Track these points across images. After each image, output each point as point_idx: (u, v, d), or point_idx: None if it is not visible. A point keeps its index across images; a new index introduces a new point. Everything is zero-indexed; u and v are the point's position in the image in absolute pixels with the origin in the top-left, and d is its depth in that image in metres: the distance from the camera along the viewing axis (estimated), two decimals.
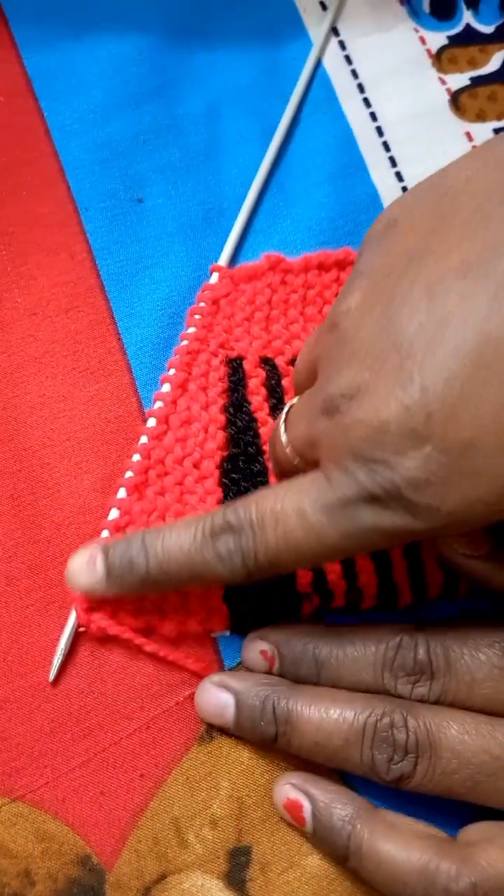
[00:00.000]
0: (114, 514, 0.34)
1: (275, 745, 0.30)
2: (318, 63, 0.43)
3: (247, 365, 0.36)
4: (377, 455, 0.25)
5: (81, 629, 0.33)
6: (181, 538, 0.29)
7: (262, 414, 0.36)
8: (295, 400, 0.32)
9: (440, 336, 0.24)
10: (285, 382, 0.36)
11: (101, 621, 0.32)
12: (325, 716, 0.29)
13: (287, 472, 0.32)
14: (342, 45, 0.43)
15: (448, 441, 0.24)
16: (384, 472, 0.25)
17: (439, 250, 0.26)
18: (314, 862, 0.31)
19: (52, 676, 0.32)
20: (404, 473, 0.25)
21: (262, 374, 0.36)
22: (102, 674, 0.33)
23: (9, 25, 0.41)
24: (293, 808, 0.30)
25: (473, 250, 0.25)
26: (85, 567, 0.31)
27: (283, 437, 0.31)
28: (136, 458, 0.34)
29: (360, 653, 0.30)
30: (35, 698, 0.32)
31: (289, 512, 0.27)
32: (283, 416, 0.32)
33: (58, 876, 0.30)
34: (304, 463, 0.30)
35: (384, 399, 0.25)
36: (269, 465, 0.35)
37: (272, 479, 0.35)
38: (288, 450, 0.31)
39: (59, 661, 0.32)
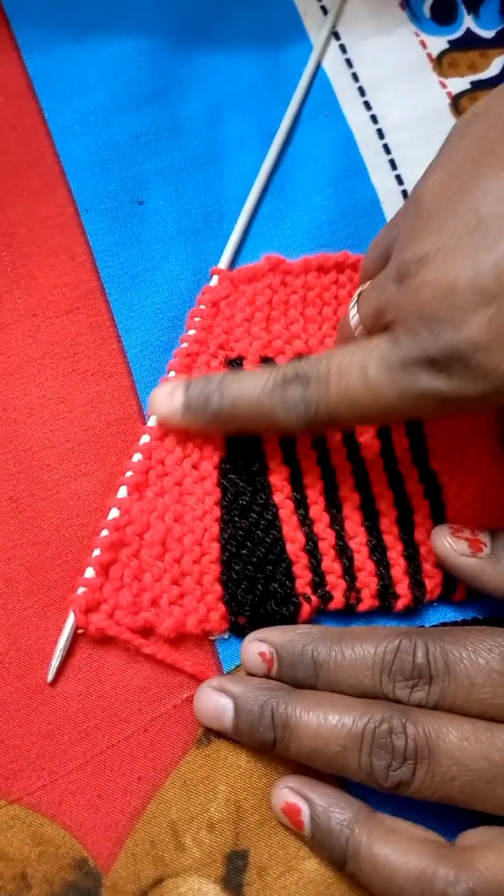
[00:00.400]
0: (113, 513, 0.34)
1: (273, 750, 0.30)
2: (319, 67, 0.43)
3: (247, 365, 0.36)
4: (443, 314, 0.28)
5: (80, 631, 0.33)
6: (254, 383, 0.32)
7: None
8: (366, 285, 0.33)
9: None
10: None
11: (99, 622, 0.32)
12: (324, 721, 0.29)
13: None
14: (343, 49, 0.43)
15: None
16: (448, 332, 0.27)
17: None
18: (311, 866, 0.31)
19: (50, 678, 0.32)
20: (467, 333, 0.27)
21: None
22: (100, 676, 0.33)
23: (10, 26, 0.41)
24: (291, 811, 0.30)
25: None
26: (166, 397, 0.34)
27: (354, 319, 0.33)
28: (138, 457, 0.34)
29: (358, 656, 0.30)
30: (33, 700, 0.32)
31: (352, 368, 0.30)
32: (353, 299, 0.34)
33: (54, 879, 0.30)
34: None
35: (457, 261, 0.28)
36: (269, 463, 0.35)
37: (271, 477, 0.35)
38: (357, 331, 0.33)
39: (58, 662, 0.32)
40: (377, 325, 0.32)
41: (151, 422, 0.35)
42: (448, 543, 0.33)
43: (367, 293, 0.33)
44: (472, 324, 0.27)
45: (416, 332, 0.28)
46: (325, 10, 0.44)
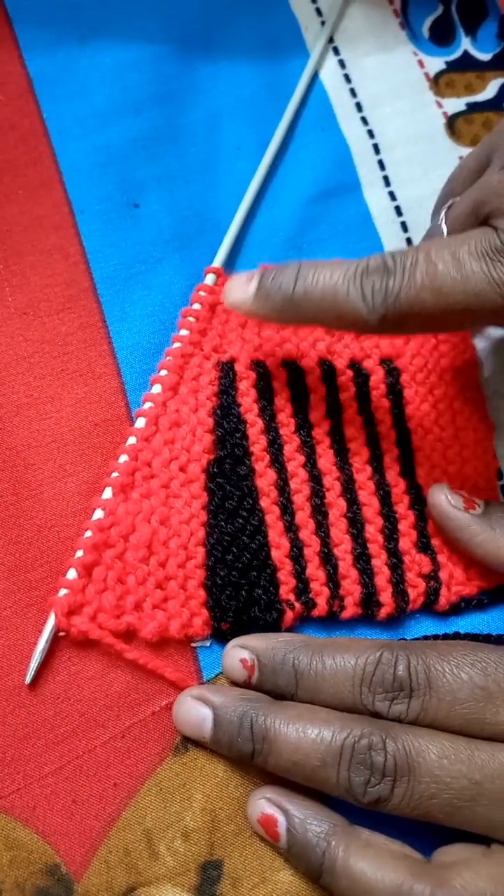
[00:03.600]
0: (98, 514, 0.33)
1: (252, 762, 0.30)
2: (315, 76, 0.43)
3: (238, 367, 0.36)
4: None
5: (61, 633, 0.32)
6: (334, 270, 0.31)
7: (251, 415, 0.36)
8: (456, 199, 0.33)
9: None
10: (275, 384, 0.36)
11: (81, 625, 0.32)
12: (303, 735, 0.29)
13: None
14: (342, 64, 0.44)
15: None
16: None
17: None
18: (286, 878, 0.30)
19: (28, 680, 0.32)
20: None
21: (253, 375, 0.36)
22: (80, 680, 0.32)
23: (12, 27, 0.41)
24: (268, 823, 0.30)
25: None
26: (241, 283, 0.33)
27: (443, 228, 0.33)
28: (124, 458, 0.34)
29: (339, 666, 0.30)
30: (9, 702, 0.32)
31: (442, 255, 0.29)
32: (442, 211, 0.34)
33: (25, 885, 0.30)
34: None
35: None
36: (256, 467, 0.35)
37: (258, 481, 0.35)
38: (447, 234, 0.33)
39: (37, 664, 0.32)
40: (472, 221, 0.31)
41: (140, 423, 0.35)
42: (445, 496, 0.34)
43: (461, 200, 0.32)
44: None
45: None
46: (324, 24, 0.44)
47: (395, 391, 0.37)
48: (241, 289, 0.33)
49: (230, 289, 0.34)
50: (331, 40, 0.44)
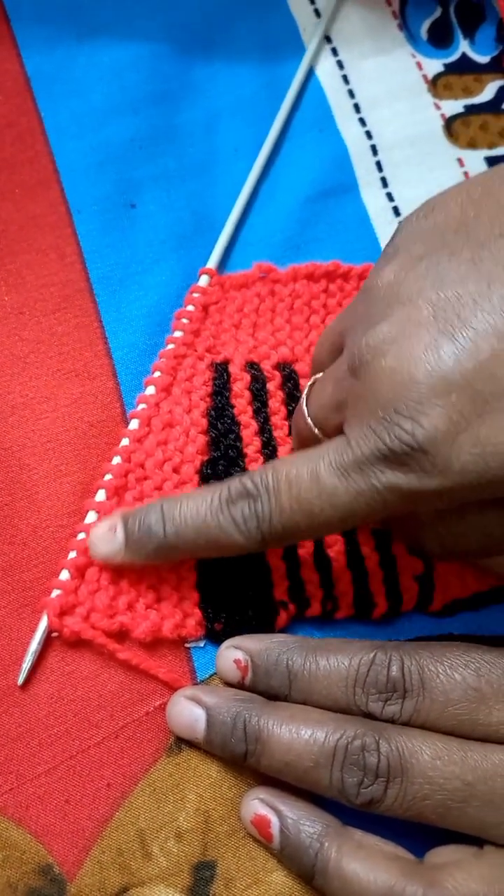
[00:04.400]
0: (91, 517, 0.33)
1: (244, 763, 0.30)
2: (313, 75, 0.43)
3: (232, 368, 0.36)
4: (401, 405, 0.26)
5: (54, 634, 0.32)
6: (198, 504, 0.30)
7: (245, 417, 0.36)
8: (319, 375, 0.32)
9: (483, 295, 0.26)
10: (270, 386, 0.36)
11: (74, 625, 0.32)
12: (296, 736, 0.29)
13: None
14: (340, 65, 0.44)
15: (476, 390, 0.25)
16: (405, 424, 0.26)
17: (476, 230, 0.28)
18: (279, 879, 0.30)
19: (21, 680, 0.32)
20: (427, 424, 0.26)
21: (247, 377, 0.36)
22: (73, 680, 0.32)
23: (10, 25, 0.41)
24: (261, 823, 0.30)
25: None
26: (105, 535, 0.32)
27: (306, 410, 0.32)
28: (117, 460, 0.34)
29: (332, 667, 0.30)
30: (2, 703, 0.32)
31: (303, 475, 0.28)
32: (306, 390, 0.33)
33: (18, 885, 0.30)
34: (326, 436, 0.31)
35: (415, 349, 0.26)
36: (250, 469, 0.35)
37: None
38: (309, 421, 0.32)
39: (29, 664, 0.32)
40: (330, 421, 0.30)
41: (133, 424, 0.35)
42: None
43: (320, 387, 0.31)
44: (431, 416, 0.25)
45: (372, 428, 0.27)
46: (320, 20, 0.44)
47: None
48: (108, 541, 0.32)
49: (95, 542, 0.32)
50: (329, 40, 0.44)
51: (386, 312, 0.28)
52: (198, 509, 0.30)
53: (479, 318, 0.26)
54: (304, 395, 0.33)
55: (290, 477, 0.29)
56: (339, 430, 0.29)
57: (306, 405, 0.32)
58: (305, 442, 0.32)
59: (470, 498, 0.27)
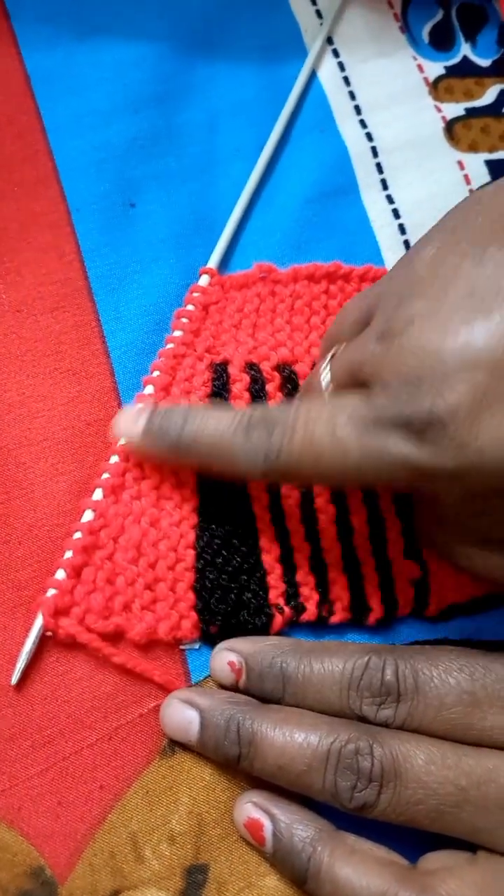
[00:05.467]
0: (88, 515, 0.33)
1: (238, 765, 0.30)
2: (315, 77, 0.43)
3: (231, 369, 0.36)
4: (426, 377, 0.26)
5: (48, 634, 0.32)
6: (220, 419, 0.31)
7: None
8: (341, 346, 0.32)
9: None
10: (269, 388, 0.36)
11: (68, 627, 0.32)
12: (290, 739, 0.29)
13: None
14: (341, 67, 0.44)
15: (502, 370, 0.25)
16: (428, 396, 0.26)
17: None
18: (272, 883, 0.30)
19: (14, 680, 0.31)
20: (449, 399, 0.26)
21: (247, 378, 0.36)
22: (67, 681, 0.32)
23: (10, 23, 0.41)
24: (254, 827, 0.30)
25: None
26: (131, 417, 0.33)
27: (326, 378, 0.32)
28: (114, 459, 0.34)
29: (326, 670, 0.30)
30: None
31: (321, 420, 0.29)
32: (327, 357, 0.32)
33: (9, 887, 0.29)
34: None
35: (447, 326, 0.26)
36: None
37: (249, 485, 0.34)
38: (328, 391, 0.32)
39: (23, 665, 0.32)
40: (351, 383, 0.30)
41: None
42: None
43: (346, 353, 0.31)
44: (456, 390, 0.25)
45: (395, 391, 0.27)
46: (323, 23, 0.44)
47: None
48: (130, 423, 0.33)
49: (120, 420, 0.34)
50: (331, 42, 0.44)
51: (423, 286, 0.28)
52: (218, 422, 0.31)
53: None
54: (324, 364, 0.32)
55: (309, 418, 0.29)
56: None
57: (328, 371, 0.32)
58: None
59: (482, 487, 0.27)
